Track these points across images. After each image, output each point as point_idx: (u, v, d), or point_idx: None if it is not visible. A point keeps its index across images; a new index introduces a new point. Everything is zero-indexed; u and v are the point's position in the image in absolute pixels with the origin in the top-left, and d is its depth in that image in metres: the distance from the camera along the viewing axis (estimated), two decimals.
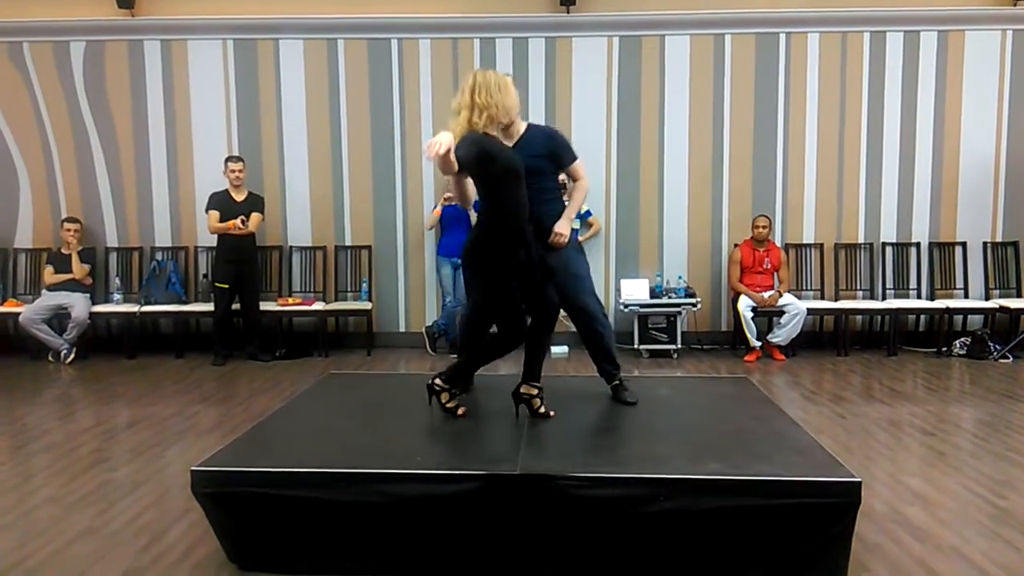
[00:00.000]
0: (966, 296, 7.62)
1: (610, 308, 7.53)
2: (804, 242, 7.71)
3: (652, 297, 7.36)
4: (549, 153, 3.90)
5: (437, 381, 3.68)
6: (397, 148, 7.67)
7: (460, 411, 3.65)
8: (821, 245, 7.68)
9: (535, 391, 3.68)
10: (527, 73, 7.60)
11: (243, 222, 6.95)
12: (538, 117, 7.60)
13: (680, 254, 7.73)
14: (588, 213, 7.46)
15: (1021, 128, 7.55)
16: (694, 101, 7.63)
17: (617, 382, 4.02)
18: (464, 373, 3.73)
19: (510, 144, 3.82)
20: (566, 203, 4.02)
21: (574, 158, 4.00)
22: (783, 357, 7.15)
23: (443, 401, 3.66)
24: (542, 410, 3.66)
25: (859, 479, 2.83)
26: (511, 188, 3.51)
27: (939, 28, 7.48)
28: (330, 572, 2.95)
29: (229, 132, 7.70)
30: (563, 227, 3.87)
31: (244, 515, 2.95)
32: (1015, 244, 7.63)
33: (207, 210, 7.10)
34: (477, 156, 3.40)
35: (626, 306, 7.25)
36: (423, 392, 3.74)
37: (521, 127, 3.92)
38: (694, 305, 7.30)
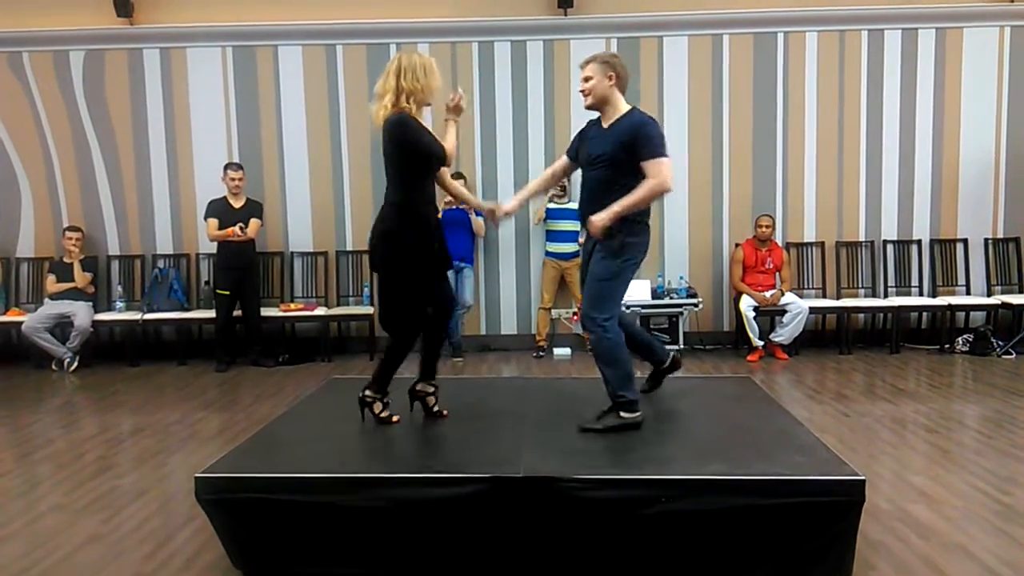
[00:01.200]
0: (968, 293, 7.61)
1: None
2: (805, 241, 7.71)
3: (654, 298, 7.37)
4: (627, 142, 3.56)
5: (367, 392, 3.66)
6: None
7: (394, 419, 3.64)
8: (822, 243, 7.68)
9: (431, 389, 3.75)
10: (525, 76, 7.61)
11: (242, 229, 6.96)
12: (537, 120, 7.63)
13: (681, 254, 7.73)
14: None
15: (1021, 124, 7.54)
16: (693, 101, 7.64)
17: (610, 406, 3.64)
18: (387, 376, 3.68)
19: (605, 126, 3.69)
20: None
21: (654, 155, 3.52)
22: (786, 356, 7.15)
23: (376, 412, 3.64)
24: (436, 408, 3.72)
25: (863, 477, 2.82)
26: (430, 175, 3.56)
27: (937, 25, 7.49)
28: None
29: (229, 139, 7.72)
30: (598, 216, 3.52)
31: (248, 521, 2.95)
32: (1016, 240, 7.63)
33: (206, 218, 7.10)
34: (414, 138, 3.42)
35: (628, 307, 7.25)
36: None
37: (622, 110, 3.67)
38: (696, 305, 7.30)
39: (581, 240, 6.89)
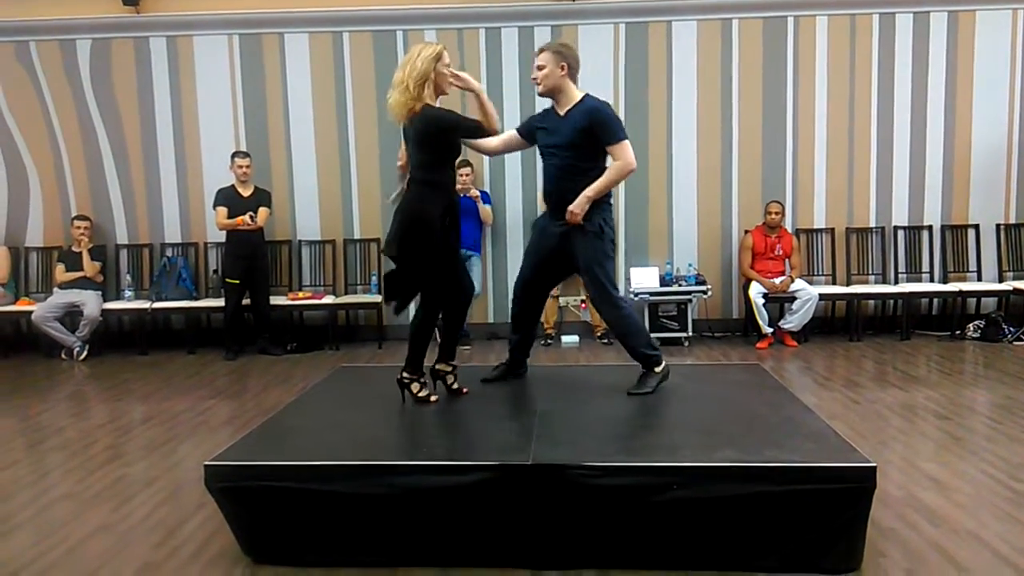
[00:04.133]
0: (979, 279, 7.55)
1: None
2: (815, 227, 7.66)
3: (662, 285, 7.34)
4: (585, 128, 3.72)
5: (404, 374, 3.74)
6: None
7: (432, 398, 3.73)
8: (832, 230, 7.63)
9: (450, 368, 3.88)
10: (534, 62, 7.54)
11: (251, 218, 6.96)
12: (544, 107, 7.56)
13: (690, 241, 7.70)
14: None
15: None
16: (702, 87, 7.58)
17: (644, 372, 3.92)
18: (420, 355, 3.75)
19: (561, 114, 3.81)
20: None
21: (618, 139, 3.74)
22: (795, 343, 7.12)
23: (415, 392, 3.72)
24: (455, 386, 3.86)
25: (874, 464, 2.81)
26: (452, 164, 3.72)
27: (949, 8, 7.39)
28: (344, 564, 2.96)
29: (236, 127, 7.70)
30: (575, 205, 3.71)
31: (258, 509, 2.95)
32: None
33: (214, 206, 7.10)
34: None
35: (636, 294, 7.23)
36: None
37: (575, 97, 3.83)
38: (705, 292, 7.27)
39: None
